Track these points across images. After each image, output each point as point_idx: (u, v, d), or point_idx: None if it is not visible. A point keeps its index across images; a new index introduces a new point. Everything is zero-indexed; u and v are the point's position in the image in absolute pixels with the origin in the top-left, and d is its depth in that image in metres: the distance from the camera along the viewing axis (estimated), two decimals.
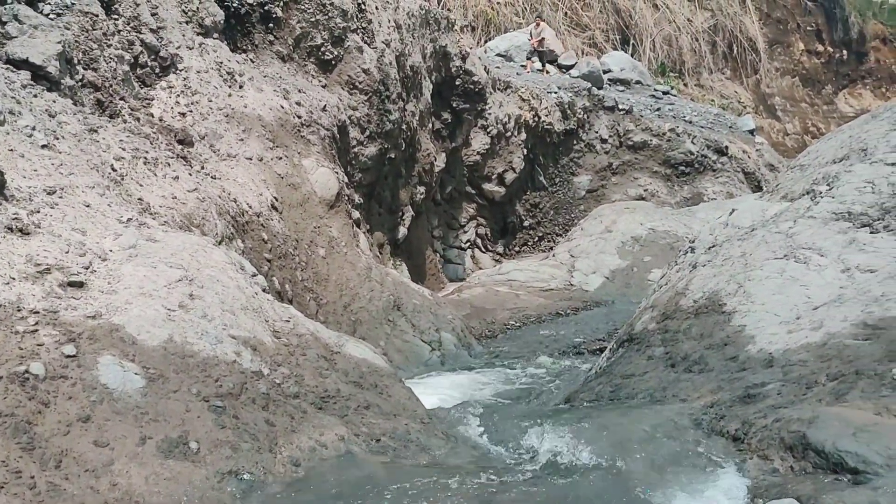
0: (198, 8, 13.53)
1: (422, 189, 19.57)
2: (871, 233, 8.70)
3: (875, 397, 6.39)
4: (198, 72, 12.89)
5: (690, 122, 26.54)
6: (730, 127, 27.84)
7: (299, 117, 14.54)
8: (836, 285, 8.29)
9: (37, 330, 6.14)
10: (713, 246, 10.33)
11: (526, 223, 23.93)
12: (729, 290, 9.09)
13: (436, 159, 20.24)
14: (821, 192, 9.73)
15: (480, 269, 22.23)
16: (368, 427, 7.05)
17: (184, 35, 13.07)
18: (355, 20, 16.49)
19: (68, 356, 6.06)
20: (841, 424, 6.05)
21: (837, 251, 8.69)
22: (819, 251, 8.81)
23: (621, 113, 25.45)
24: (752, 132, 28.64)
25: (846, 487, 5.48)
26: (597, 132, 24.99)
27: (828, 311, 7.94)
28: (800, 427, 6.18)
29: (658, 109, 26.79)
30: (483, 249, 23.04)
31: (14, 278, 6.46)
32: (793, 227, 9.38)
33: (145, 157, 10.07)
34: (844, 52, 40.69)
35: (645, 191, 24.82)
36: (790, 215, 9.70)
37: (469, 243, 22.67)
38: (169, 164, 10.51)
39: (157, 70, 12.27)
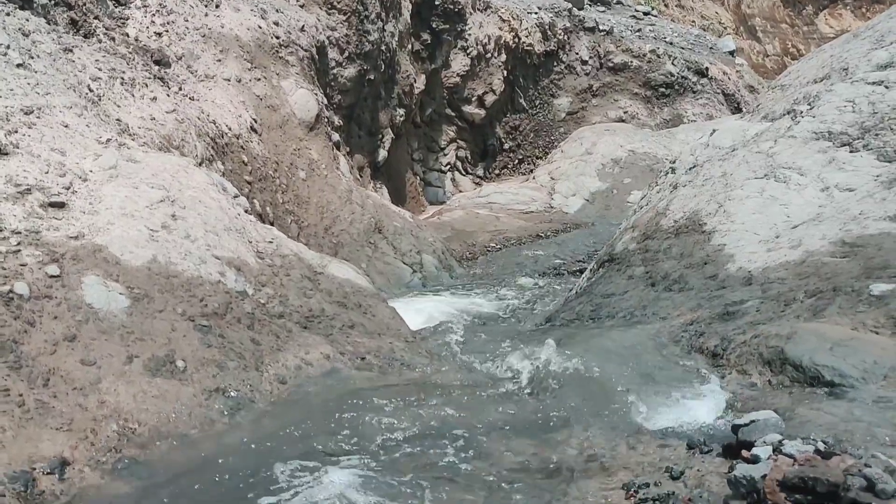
0: None
1: (401, 111, 19.42)
2: (851, 152, 8.76)
3: (852, 313, 6.50)
4: None
5: (671, 44, 26.35)
6: (710, 48, 27.66)
7: (277, 38, 14.33)
8: (816, 204, 8.37)
9: (19, 250, 6.11)
10: (694, 166, 10.37)
11: (506, 146, 23.85)
12: (709, 209, 9.15)
13: (415, 81, 20.05)
14: (801, 112, 9.74)
15: (460, 192, 22.21)
16: (353, 346, 7.12)
17: None
18: None
19: (52, 276, 6.05)
20: (818, 339, 6.16)
21: (817, 170, 8.75)
22: (799, 170, 8.86)
23: (602, 34, 25.21)
24: (732, 53, 28.49)
25: (823, 400, 5.61)
26: (577, 54, 24.78)
27: (807, 230, 8.03)
28: (778, 342, 6.29)
29: (639, 31, 26.56)
30: (463, 172, 22.99)
31: None
32: (773, 147, 9.41)
33: (122, 78, 9.92)
34: None
35: (625, 113, 24.74)
36: (771, 135, 9.72)
37: (449, 166, 22.60)
38: (146, 85, 10.37)
39: None
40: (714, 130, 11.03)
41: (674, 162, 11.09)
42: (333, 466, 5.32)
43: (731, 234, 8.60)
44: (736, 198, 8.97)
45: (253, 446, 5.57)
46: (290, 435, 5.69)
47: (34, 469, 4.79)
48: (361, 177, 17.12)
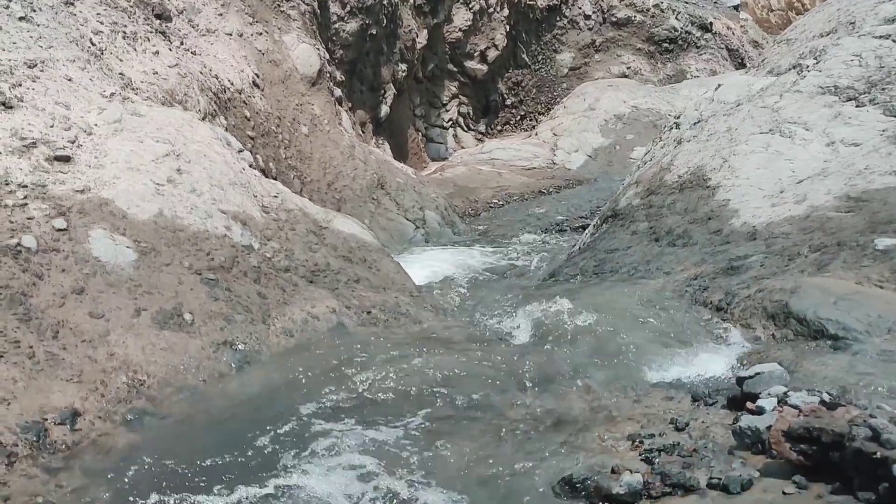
0: None
1: (404, 66, 19.30)
2: (857, 106, 8.72)
3: (856, 267, 6.52)
4: None
5: None
6: (714, 3, 27.42)
7: None
8: (821, 159, 8.35)
9: (26, 203, 6.12)
10: (698, 121, 10.33)
11: (508, 101, 23.72)
12: (714, 164, 9.13)
13: (417, 36, 19.89)
14: (807, 67, 9.69)
15: (462, 148, 22.13)
16: (359, 300, 7.15)
17: None
18: None
19: (59, 230, 6.06)
20: (822, 294, 6.19)
21: (823, 125, 8.71)
22: (804, 125, 8.83)
23: None
24: (736, 8, 28.24)
25: (827, 353, 5.65)
26: (580, 8, 24.56)
27: (812, 185, 8.02)
28: (782, 297, 6.32)
29: None
30: (465, 128, 22.89)
31: (0, 152, 6.39)
32: (779, 102, 9.37)
33: (124, 32, 9.84)
34: None
35: (628, 68, 24.57)
36: (776, 90, 9.68)
37: (451, 122, 22.49)
38: (148, 39, 10.29)
39: None
40: (719, 85, 10.98)
41: (678, 117, 11.05)
42: (341, 418, 5.38)
43: (735, 189, 8.59)
44: (741, 153, 8.95)
45: (261, 398, 5.62)
46: (298, 387, 5.74)
47: (46, 419, 4.85)
48: (363, 132, 17.06)
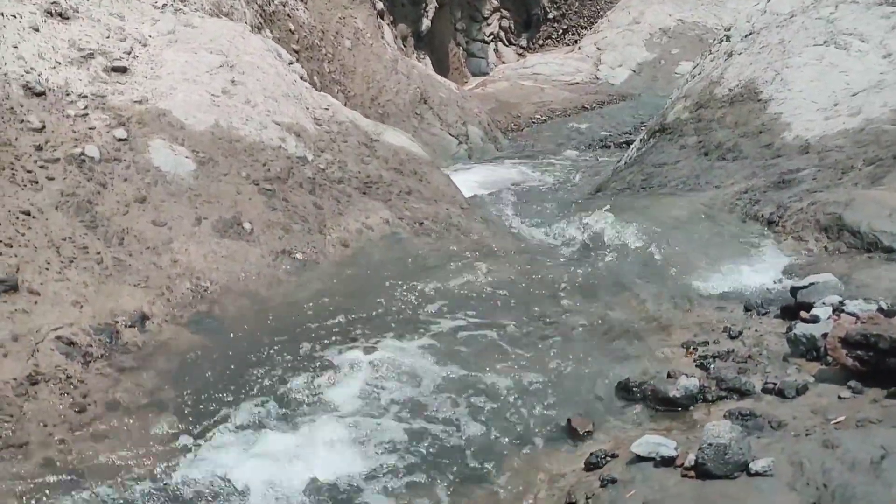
0: None
1: None
2: None
3: None
4: None
5: None
6: None
7: None
8: (877, 71, 8.22)
9: (87, 114, 6.21)
10: (750, 33, 10.16)
11: (550, 15, 23.36)
12: (766, 77, 9.03)
13: None
14: None
15: (503, 63, 21.92)
16: (411, 211, 7.22)
17: None
18: None
19: (120, 139, 6.17)
20: (877, 206, 6.18)
21: (880, 36, 8.56)
22: (860, 36, 8.68)
23: None
24: None
25: (880, 265, 5.66)
26: None
27: (867, 97, 7.92)
28: (835, 209, 6.32)
29: None
30: (506, 43, 22.62)
31: (59, 62, 6.47)
32: (834, 13, 9.19)
33: None
34: None
35: None
36: (832, 0, 9.48)
37: (492, 36, 22.23)
38: None
39: None
40: None
41: (729, 29, 10.88)
42: (397, 323, 5.50)
43: (787, 102, 8.51)
44: (794, 65, 8.84)
45: (319, 305, 5.75)
46: (355, 295, 5.86)
47: (117, 322, 5.01)
48: (405, 47, 16.94)
